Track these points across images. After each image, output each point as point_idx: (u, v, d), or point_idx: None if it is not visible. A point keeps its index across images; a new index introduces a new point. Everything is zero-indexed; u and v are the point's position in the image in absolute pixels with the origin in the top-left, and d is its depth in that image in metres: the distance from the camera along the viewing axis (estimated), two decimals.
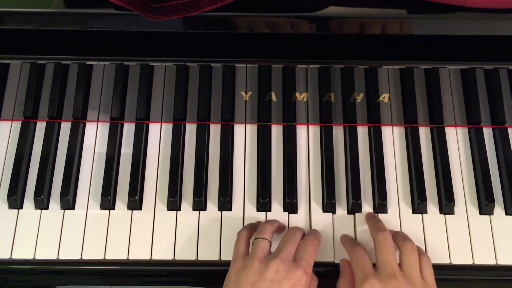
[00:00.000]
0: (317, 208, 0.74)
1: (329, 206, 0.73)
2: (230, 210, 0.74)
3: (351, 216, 0.74)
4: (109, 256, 0.71)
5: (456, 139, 0.79)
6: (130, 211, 0.74)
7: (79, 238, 0.72)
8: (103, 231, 0.72)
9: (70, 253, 0.71)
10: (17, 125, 0.78)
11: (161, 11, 0.55)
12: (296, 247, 0.66)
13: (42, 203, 0.73)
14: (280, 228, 0.70)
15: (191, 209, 0.74)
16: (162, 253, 0.71)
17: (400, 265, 0.64)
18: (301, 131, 0.78)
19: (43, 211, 0.74)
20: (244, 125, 0.79)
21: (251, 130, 0.79)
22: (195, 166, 0.76)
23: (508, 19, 0.57)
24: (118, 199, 0.74)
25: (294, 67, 0.69)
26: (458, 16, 0.57)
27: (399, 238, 0.67)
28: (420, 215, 0.74)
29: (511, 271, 0.71)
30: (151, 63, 0.69)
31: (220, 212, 0.74)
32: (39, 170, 0.75)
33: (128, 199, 0.73)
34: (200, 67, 0.70)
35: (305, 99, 0.74)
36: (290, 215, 0.73)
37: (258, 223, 0.71)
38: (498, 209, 0.74)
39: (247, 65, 0.70)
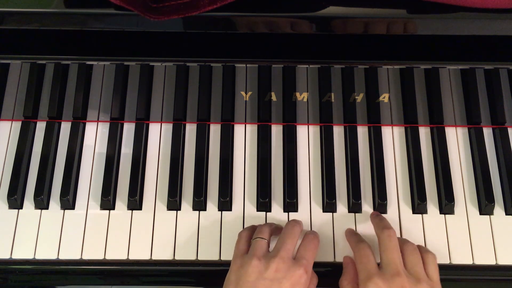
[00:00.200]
0: (317, 208, 0.74)
1: (329, 206, 0.73)
2: (230, 210, 0.74)
3: (351, 216, 0.74)
4: (109, 256, 0.71)
5: (456, 139, 0.79)
6: (130, 211, 0.74)
7: (79, 238, 0.72)
8: (103, 231, 0.72)
9: (70, 253, 0.71)
10: (17, 125, 0.78)
11: (161, 11, 0.55)
12: (295, 243, 0.65)
13: (42, 203, 0.73)
14: (278, 230, 0.70)
15: (191, 209, 0.74)
16: (162, 253, 0.71)
17: (404, 264, 0.63)
18: (301, 131, 0.78)
19: (43, 211, 0.74)
20: (244, 125, 0.79)
21: (251, 130, 0.79)
22: (195, 166, 0.76)
23: (508, 19, 0.57)
24: (118, 199, 0.74)
25: (294, 67, 0.69)
26: (458, 16, 0.57)
27: (399, 240, 0.67)
28: (420, 215, 0.74)
29: (511, 271, 0.71)
30: (151, 63, 0.69)
31: (220, 212, 0.74)
32: (39, 170, 0.75)
33: (128, 199, 0.73)
34: (200, 67, 0.70)
35: (305, 99, 0.74)
36: (290, 215, 0.73)
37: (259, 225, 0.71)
38: (498, 209, 0.74)
39: (247, 65, 0.70)
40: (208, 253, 0.71)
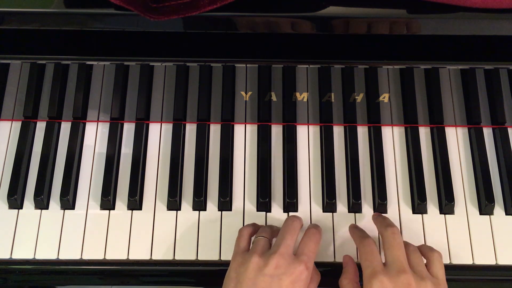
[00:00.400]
0: (317, 208, 0.74)
1: (329, 206, 0.73)
2: (230, 210, 0.74)
3: (351, 216, 0.74)
4: (109, 256, 0.71)
5: (456, 139, 0.79)
6: (130, 211, 0.74)
7: (79, 238, 0.72)
8: (103, 231, 0.72)
9: (70, 253, 0.71)
10: (17, 125, 0.78)
11: (161, 11, 0.55)
12: (295, 238, 0.65)
13: (42, 203, 0.73)
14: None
15: (191, 209, 0.74)
16: (162, 253, 0.71)
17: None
18: (301, 131, 0.78)
19: (43, 211, 0.74)
20: (244, 125, 0.79)
21: (251, 130, 0.79)
22: (195, 166, 0.76)
23: (508, 19, 0.57)
24: (118, 199, 0.74)
25: (294, 67, 0.69)
26: (458, 16, 0.57)
27: None
28: (420, 215, 0.74)
29: (511, 271, 0.71)
30: (151, 63, 0.69)
31: (220, 212, 0.74)
32: (39, 170, 0.75)
33: (128, 199, 0.73)
34: (200, 67, 0.70)
35: (305, 99, 0.74)
36: (290, 215, 0.73)
37: (261, 225, 0.70)
38: (498, 209, 0.74)
39: (247, 65, 0.70)
40: (208, 253, 0.71)
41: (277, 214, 0.74)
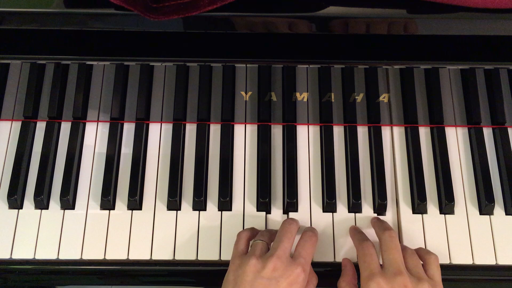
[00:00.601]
0: (317, 208, 0.74)
1: (329, 206, 0.73)
2: (230, 210, 0.74)
3: (351, 216, 0.74)
4: (109, 256, 0.71)
5: (456, 139, 0.79)
6: (130, 211, 0.74)
7: (79, 238, 0.72)
8: (103, 231, 0.72)
9: (70, 253, 0.71)
10: (17, 125, 0.78)
11: (161, 11, 0.55)
12: (293, 241, 0.65)
13: (42, 203, 0.73)
14: None
15: (191, 209, 0.74)
16: (162, 253, 0.71)
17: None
18: (301, 131, 0.78)
19: (43, 211, 0.74)
20: (244, 125, 0.79)
21: (251, 130, 0.79)
22: (195, 166, 0.76)
23: (508, 19, 0.57)
24: (118, 199, 0.74)
25: (294, 67, 0.69)
26: (458, 16, 0.57)
27: None
28: (420, 215, 0.74)
29: (511, 271, 0.71)
30: (151, 63, 0.69)
31: (220, 212, 0.74)
32: (39, 170, 0.75)
33: (128, 199, 0.73)
34: (200, 67, 0.70)
35: (305, 99, 0.74)
36: (290, 215, 0.73)
37: (259, 230, 0.71)
38: (498, 209, 0.74)
39: (247, 65, 0.70)
40: (208, 253, 0.71)
41: (277, 214, 0.74)
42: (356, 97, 0.74)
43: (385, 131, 0.79)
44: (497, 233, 0.73)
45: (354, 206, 0.73)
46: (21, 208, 0.74)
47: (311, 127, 0.79)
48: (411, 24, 0.59)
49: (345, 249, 0.71)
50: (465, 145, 0.78)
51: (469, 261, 0.71)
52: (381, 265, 0.64)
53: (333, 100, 0.74)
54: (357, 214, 0.74)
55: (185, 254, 0.71)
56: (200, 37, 0.67)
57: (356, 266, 0.67)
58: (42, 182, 0.74)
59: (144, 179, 0.75)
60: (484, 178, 0.75)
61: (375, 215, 0.73)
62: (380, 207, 0.73)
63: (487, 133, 0.79)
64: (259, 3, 0.58)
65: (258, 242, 0.65)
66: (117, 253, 0.71)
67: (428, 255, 0.66)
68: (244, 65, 0.70)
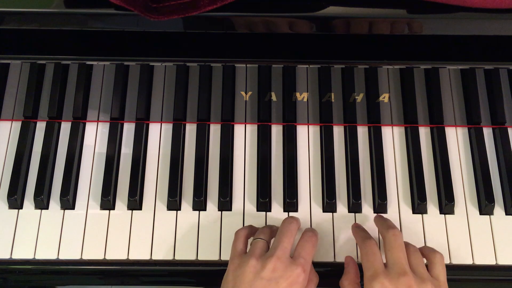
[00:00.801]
0: (317, 208, 0.74)
1: (329, 206, 0.73)
2: (230, 210, 0.74)
3: (351, 216, 0.74)
4: (109, 256, 0.71)
5: (456, 139, 0.79)
6: (130, 211, 0.74)
7: (79, 238, 0.72)
8: (103, 231, 0.72)
9: (70, 253, 0.71)
10: (17, 125, 0.78)
11: (161, 11, 0.55)
12: (293, 241, 0.65)
13: (42, 203, 0.73)
14: None
15: (191, 209, 0.74)
16: (162, 253, 0.71)
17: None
18: (301, 131, 0.78)
19: (43, 211, 0.74)
20: (244, 125, 0.79)
21: (251, 130, 0.79)
22: (195, 166, 0.76)
23: (508, 19, 0.57)
24: (118, 199, 0.74)
25: (294, 67, 0.69)
26: (458, 16, 0.57)
27: None
28: (420, 215, 0.74)
29: (511, 271, 0.71)
30: (151, 63, 0.69)
31: (220, 212, 0.74)
32: (39, 170, 0.75)
33: (128, 199, 0.73)
34: (200, 67, 0.70)
35: (305, 99, 0.74)
36: (290, 215, 0.73)
37: (257, 228, 0.70)
38: (498, 209, 0.74)
39: (247, 65, 0.70)
40: (208, 253, 0.71)
41: (277, 214, 0.74)
42: (356, 97, 0.74)
43: (385, 131, 0.79)
44: (497, 233, 0.73)
45: (354, 206, 0.73)
46: (21, 208, 0.74)
47: (311, 127, 0.79)
48: (411, 24, 0.59)
49: (345, 249, 0.71)
50: (465, 145, 0.78)
51: (469, 261, 0.71)
52: (384, 264, 0.63)
53: (333, 100, 0.74)
54: (357, 214, 0.74)
55: (185, 254, 0.71)
56: (200, 37, 0.67)
57: (359, 264, 0.67)
58: (42, 182, 0.74)
59: (144, 179, 0.75)
60: (484, 178, 0.75)
61: (375, 215, 0.73)
62: (380, 207, 0.73)
63: (487, 133, 0.79)
64: (259, 3, 0.58)
65: (258, 241, 0.65)
66: (117, 253, 0.71)
67: (433, 254, 0.65)
68: (244, 65, 0.69)
